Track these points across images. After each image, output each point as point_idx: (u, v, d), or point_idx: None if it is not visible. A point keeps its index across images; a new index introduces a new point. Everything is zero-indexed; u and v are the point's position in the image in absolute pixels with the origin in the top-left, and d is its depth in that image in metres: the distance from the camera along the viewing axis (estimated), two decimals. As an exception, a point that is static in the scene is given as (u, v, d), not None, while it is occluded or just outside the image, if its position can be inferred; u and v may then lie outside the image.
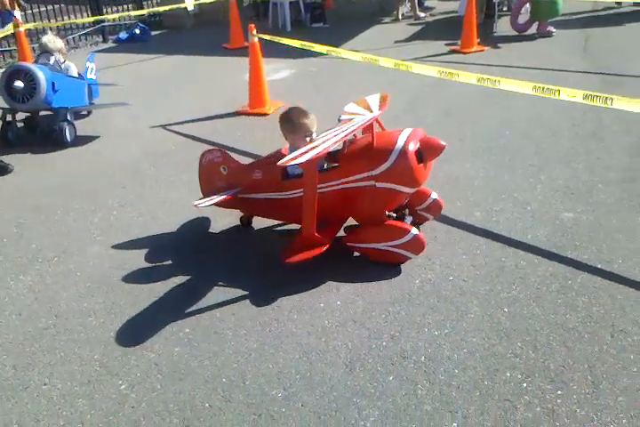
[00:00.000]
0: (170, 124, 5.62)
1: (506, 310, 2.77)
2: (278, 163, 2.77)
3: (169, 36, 10.35)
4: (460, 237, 3.38)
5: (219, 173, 3.50)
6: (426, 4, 11.08)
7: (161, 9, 9.84)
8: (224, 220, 3.73)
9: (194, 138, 5.23)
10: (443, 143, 2.99)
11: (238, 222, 3.67)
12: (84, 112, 5.89)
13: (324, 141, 2.83)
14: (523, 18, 8.62)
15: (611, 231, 3.35)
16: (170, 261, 3.34)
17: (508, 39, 8.42)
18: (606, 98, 3.41)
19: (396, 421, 2.20)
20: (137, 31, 9.88)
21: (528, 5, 8.48)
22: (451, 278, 3.03)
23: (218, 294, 3.01)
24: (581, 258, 3.12)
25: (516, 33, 8.59)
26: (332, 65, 7.41)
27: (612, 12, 9.76)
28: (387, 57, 4.97)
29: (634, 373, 2.35)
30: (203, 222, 3.76)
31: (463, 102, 5.76)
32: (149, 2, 11.60)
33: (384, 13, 10.87)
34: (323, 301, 2.92)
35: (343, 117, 3.32)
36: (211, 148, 3.62)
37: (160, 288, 3.08)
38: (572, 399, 2.24)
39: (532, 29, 8.54)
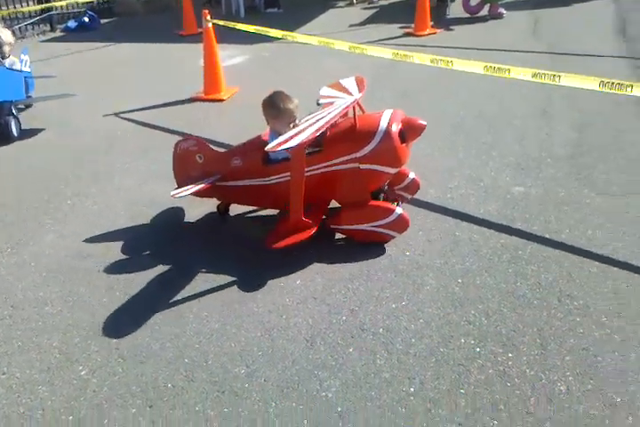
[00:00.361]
0: (122, 112, 5.54)
1: (460, 280, 2.87)
2: (267, 148, 2.73)
3: (120, 23, 10.13)
4: (417, 214, 3.45)
5: (194, 161, 3.43)
6: (379, -12, 11.10)
7: (109, -4, 9.64)
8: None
9: (147, 125, 5.18)
10: (424, 123, 3.05)
11: (209, 211, 3.66)
12: (22, 106, 5.73)
13: (310, 125, 2.81)
14: (474, 0, 8.74)
15: (558, 204, 3.47)
16: (127, 248, 3.33)
17: (460, 21, 8.52)
18: (554, 75, 3.52)
19: (356, 389, 2.27)
20: (86, 19, 9.66)
21: (480, -10, 8.60)
22: (407, 253, 3.10)
23: (177, 277, 3.03)
24: (531, 229, 3.24)
25: (469, 15, 8.70)
26: (287, 50, 7.40)
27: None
28: (342, 40, 5.01)
29: (579, 334, 2.47)
30: (154, 208, 3.75)
31: (418, 84, 5.84)
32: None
33: (338, -3, 10.87)
34: (283, 280, 2.96)
35: (322, 101, 3.28)
36: (185, 137, 3.56)
37: (118, 275, 3.08)
38: (522, 361, 2.34)
39: (484, 11, 8.66)
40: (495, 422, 2.09)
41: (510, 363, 2.34)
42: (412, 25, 7.99)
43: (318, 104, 3.29)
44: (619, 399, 2.14)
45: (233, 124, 5.04)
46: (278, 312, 2.73)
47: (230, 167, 3.29)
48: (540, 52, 6.66)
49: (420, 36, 7.78)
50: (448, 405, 2.17)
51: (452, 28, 8.19)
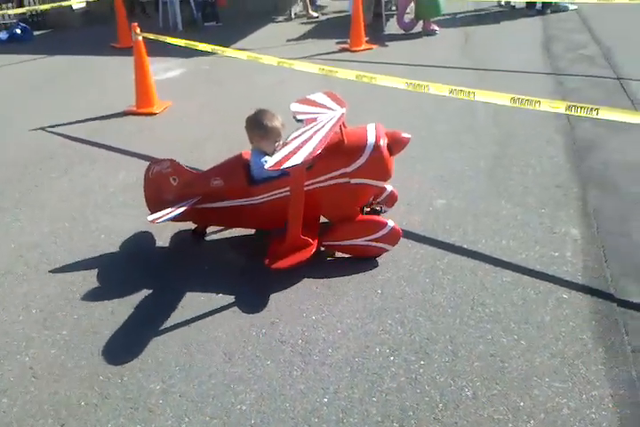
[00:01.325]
0: (52, 127, 5.43)
1: (379, 291, 2.94)
2: (267, 166, 2.64)
3: (54, 35, 9.93)
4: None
5: (168, 184, 3.30)
6: (318, 3, 11.27)
7: (42, 7, 9.41)
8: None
9: (77, 140, 5.09)
10: (408, 136, 3.12)
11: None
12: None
13: (305, 141, 2.75)
14: (408, 17, 8.99)
15: (477, 215, 3.60)
16: (49, 265, 3.27)
17: (395, 37, 8.73)
18: (469, 92, 3.67)
19: (270, 401, 2.29)
20: (18, 31, 9.43)
21: (412, 4, 8.85)
22: (331, 266, 3.15)
23: (96, 295, 2.99)
24: (449, 240, 3.35)
25: (403, 31, 8.93)
26: (224, 63, 7.41)
27: (494, 10, 10.35)
28: (273, 55, 5.07)
29: (488, 340, 2.57)
30: (83, 224, 3.69)
31: (350, 98, 5.90)
32: (31, 0, 11.08)
33: (278, 12, 10.96)
34: (204, 294, 2.96)
35: (301, 117, 3.19)
36: (159, 158, 3.37)
37: (36, 292, 3.02)
38: (433, 368, 2.42)
39: (418, 28, 8.91)
40: (404, 428, 2.15)
41: (422, 370, 2.42)
42: (349, 40, 8.14)
43: (298, 120, 3.20)
44: (522, 403, 2.24)
45: (164, 138, 5.02)
46: (198, 327, 2.73)
47: (210, 188, 3.18)
48: (469, 68, 6.90)
49: (356, 51, 7.93)
50: (359, 413, 2.22)
51: (387, 43, 8.38)
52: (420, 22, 8.85)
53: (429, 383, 2.35)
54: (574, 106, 3.40)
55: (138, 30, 5.37)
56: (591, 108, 3.33)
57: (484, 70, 6.75)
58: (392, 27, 9.19)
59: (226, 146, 4.75)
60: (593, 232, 3.35)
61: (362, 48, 8.02)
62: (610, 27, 8.68)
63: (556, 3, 9.91)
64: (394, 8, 10.17)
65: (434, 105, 5.55)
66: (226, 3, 11.63)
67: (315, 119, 3.04)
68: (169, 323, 2.76)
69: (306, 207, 2.94)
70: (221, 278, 3.08)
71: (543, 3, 9.90)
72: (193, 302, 2.90)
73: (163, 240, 3.46)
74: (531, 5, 10.10)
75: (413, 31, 8.89)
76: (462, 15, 10.02)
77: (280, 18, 10.67)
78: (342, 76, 4.26)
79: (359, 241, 3.13)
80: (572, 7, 10.14)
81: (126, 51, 7.91)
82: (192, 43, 5.25)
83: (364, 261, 3.17)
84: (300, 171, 2.78)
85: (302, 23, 10.13)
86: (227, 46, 7.72)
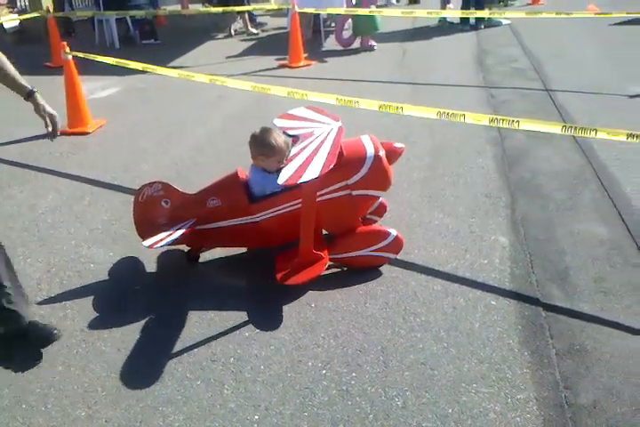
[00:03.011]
0: (-21, 148, 5.26)
1: (313, 305, 2.94)
2: (282, 182, 2.55)
3: (-14, 55, 9.65)
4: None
5: (159, 208, 3.18)
6: (258, 20, 11.36)
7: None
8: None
9: (5, 162, 4.93)
10: (402, 146, 3.21)
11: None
12: None
13: (312, 155, 2.70)
14: (347, 33, 9.15)
15: (411, 225, 3.66)
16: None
17: (334, 53, 8.86)
18: (397, 107, 3.76)
19: (200, 422, 2.26)
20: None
21: (350, 21, 9.02)
22: (266, 283, 3.13)
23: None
24: (383, 251, 3.39)
25: (342, 47, 9.07)
26: (161, 82, 7.34)
27: (430, 26, 10.64)
28: (212, 72, 5.09)
29: (419, 349, 2.60)
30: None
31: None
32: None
33: (217, 29, 10.98)
34: (132, 317, 2.89)
35: (294, 132, 3.13)
36: (151, 181, 3.24)
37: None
38: (364, 379, 2.43)
39: (357, 44, 9.06)
40: (334, 442, 2.15)
41: (353, 382, 2.42)
42: (288, 57, 8.22)
43: (290, 135, 3.14)
44: (450, 410, 2.27)
45: (97, 157, 4.93)
46: (127, 350, 2.66)
47: (207, 209, 3.09)
48: (405, 82, 7.05)
49: (295, 67, 8.01)
50: (290, 429, 2.21)
51: (325, 59, 8.50)
52: (359, 38, 9.03)
53: (360, 395, 2.35)
54: (496, 118, 3.53)
55: (67, 49, 5.28)
56: (512, 120, 3.46)
57: (420, 84, 6.92)
58: (331, 43, 9.33)
59: (161, 164, 4.71)
60: (520, 239, 3.45)
61: (301, 64, 8.11)
62: (540, 41, 9.05)
63: (489, 18, 10.29)
64: (332, 24, 10.34)
65: (372, 119, 5.64)
66: (164, 21, 11.60)
67: (311, 133, 3.02)
68: (96, 348, 2.68)
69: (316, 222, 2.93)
70: (148, 299, 3.02)
71: (476, 18, 10.25)
72: (121, 324, 2.84)
73: (86, 258, 3.38)
74: (465, 21, 10.44)
75: (352, 47, 9.05)
76: (399, 31, 10.26)
77: (220, 35, 10.69)
78: (275, 92, 4.29)
79: (363, 252, 3.13)
80: (504, 22, 10.53)
81: (60, 70, 7.78)
82: (122, 61, 5.20)
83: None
84: (312, 185, 2.72)
85: (242, 40, 10.18)
86: (165, 64, 7.70)
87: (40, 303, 3.00)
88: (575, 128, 3.39)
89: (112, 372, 2.53)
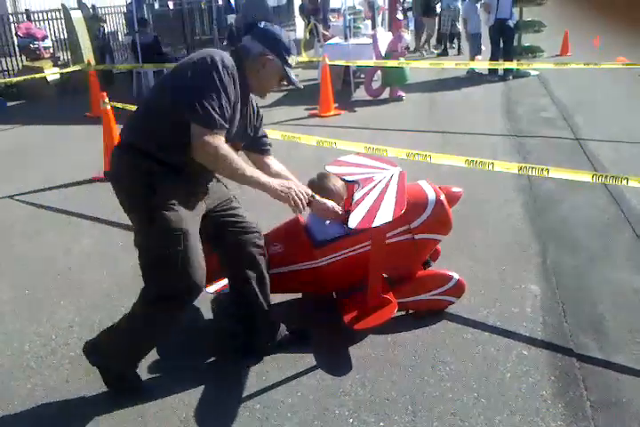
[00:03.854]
0: (19, 194, 5.44)
1: (341, 351, 2.91)
2: (355, 226, 2.54)
3: (27, 106, 10.10)
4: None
5: (215, 255, 3.08)
6: (290, 73, 11.72)
7: (14, 80, 9.64)
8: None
9: (46, 208, 5.09)
10: (460, 190, 3.26)
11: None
12: None
13: (378, 200, 2.72)
14: (375, 84, 9.38)
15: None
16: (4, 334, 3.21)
17: (363, 103, 9.06)
18: (425, 155, 3.84)
19: (225, 470, 2.22)
20: (-8, 102, 9.61)
21: (379, 72, 9.26)
22: (293, 328, 3.13)
23: (52, 361, 2.93)
24: (412, 298, 3.36)
25: (371, 98, 9.28)
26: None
27: (458, 77, 10.86)
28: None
29: (449, 398, 2.54)
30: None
31: (319, 163, 6.09)
32: (5, 72, 11.33)
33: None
34: (167, 361, 2.91)
35: (353, 177, 3.10)
36: None
37: (-9, 361, 2.95)
38: (392, 429, 2.38)
39: (385, 94, 9.26)
40: None
41: (381, 432, 2.38)
42: (318, 106, 8.43)
43: (349, 181, 3.14)
44: (481, 463, 2.20)
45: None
46: (153, 394, 2.66)
47: (270, 254, 3.00)
48: (434, 131, 7.15)
49: (325, 116, 8.21)
50: (316, 480, 2.16)
51: (355, 109, 8.70)
52: (387, 89, 9.24)
53: (388, 446, 2.30)
54: (525, 166, 3.56)
55: (106, 99, 5.52)
56: (541, 169, 3.48)
57: (449, 133, 7.01)
58: (360, 93, 9.56)
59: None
60: (552, 288, 3.40)
61: (331, 113, 8.30)
62: (569, 91, 9.14)
63: (517, 69, 10.45)
64: (362, 76, 10.61)
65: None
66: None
67: (371, 178, 3.03)
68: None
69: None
70: (174, 340, 3.03)
71: (505, 69, 10.43)
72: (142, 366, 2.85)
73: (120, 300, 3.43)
74: (493, 71, 10.63)
75: (381, 97, 9.25)
76: (428, 82, 10.48)
77: (253, 86, 11.03)
78: (304, 141, 4.40)
79: (426, 296, 3.15)
80: (533, 73, 10.69)
81: (99, 120, 8.09)
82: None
83: (327, 322, 3.16)
84: (382, 229, 2.73)
85: (274, 90, 10.47)
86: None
87: (71, 346, 3.04)
88: (606, 176, 3.40)
89: (138, 416, 2.53)
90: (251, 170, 2.43)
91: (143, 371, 2.80)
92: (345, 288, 3.12)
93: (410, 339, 2.98)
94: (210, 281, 3.07)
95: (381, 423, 2.42)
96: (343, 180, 3.16)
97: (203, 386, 2.70)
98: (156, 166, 2.34)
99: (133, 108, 5.64)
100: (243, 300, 2.83)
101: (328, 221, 3.05)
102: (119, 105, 5.73)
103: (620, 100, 8.27)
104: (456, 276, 3.16)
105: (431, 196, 3.06)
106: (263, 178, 2.45)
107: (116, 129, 5.67)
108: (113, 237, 4.34)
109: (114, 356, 2.59)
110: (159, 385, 2.72)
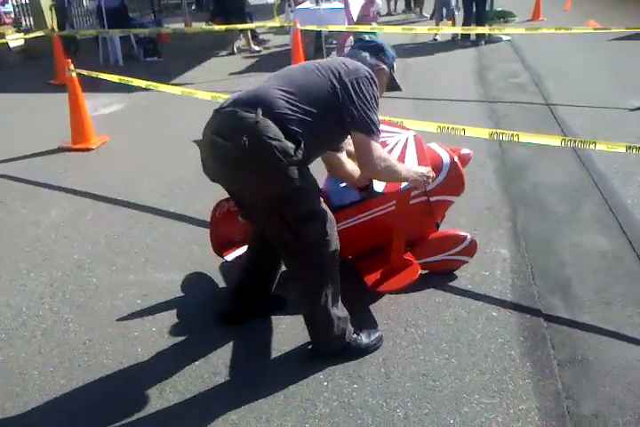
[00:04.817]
0: (-15, 165, 5.31)
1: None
2: (382, 189, 2.73)
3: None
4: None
5: (236, 223, 3.00)
6: (260, 38, 11.50)
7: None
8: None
9: (11, 178, 4.97)
10: (469, 152, 3.38)
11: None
12: None
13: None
14: (348, 50, 9.24)
15: (412, 238, 3.67)
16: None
17: (336, 69, 8.93)
18: (398, 121, 3.81)
19: (201, 434, 2.26)
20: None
21: (352, 38, 9.13)
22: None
23: (24, 333, 2.90)
24: (384, 264, 3.40)
25: (343, 63, 9.15)
26: (165, 99, 7.42)
27: (428, 42, 10.78)
28: (214, 90, 5.13)
29: (421, 360, 2.60)
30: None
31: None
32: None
33: (220, 47, 11.12)
34: (138, 329, 2.91)
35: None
36: (226, 196, 3.09)
37: (-38, 334, 2.91)
38: (365, 391, 2.43)
39: (358, 60, 9.13)
40: (335, 453, 2.15)
41: (355, 394, 2.42)
42: (290, 73, 8.29)
43: None
44: (452, 421, 2.27)
45: (100, 173, 4.97)
46: (128, 363, 2.67)
47: None
48: (405, 97, 7.10)
49: (297, 83, 8.08)
50: (292, 441, 2.21)
51: (327, 76, 8.57)
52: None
53: (362, 406, 2.35)
54: (496, 132, 3.57)
55: (71, 66, 5.35)
56: (512, 134, 3.49)
57: (422, 99, 6.97)
58: (333, 59, 9.40)
59: (165, 180, 4.75)
60: (522, 251, 3.46)
61: (303, 80, 8.18)
62: (540, 56, 9.14)
63: (489, 34, 10.39)
64: (334, 42, 10.46)
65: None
66: (168, 39, 11.76)
67: (384, 142, 3.02)
68: (99, 362, 2.69)
69: (386, 231, 2.95)
70: (148, 310, 3.03)
71: (477, 34, 10.36)
72: (126, 337, 2.85)
73: (88, 273, 3.40)
74: (465, 37, 10.56)
75: (353, 63, 9.12)
76: (401, 47, 10.37)
77: (222, 53, 10.81)
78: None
79: (441, 257, 3.19)
80: (505, 38, 10.65)
81: (64, 87, 7.87)
82: (126, 79, 5.26)
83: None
84: (407, 192, 2.81)
85: (245, 57, 10.29)
86: (168, 81, 7.79)
87: (43, 317, 3.02)
88: (575, 141, 3.43)
89: (113, 385, 2.54)
90: (403, 167, 2.55)
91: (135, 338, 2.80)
92: (359, 253, 3.13)
93: (383, 303, 3.02)
94: (227, 249, 3.12)
95: (355, 385, 2.47)
96: None
97: (178, 353, 2.71)
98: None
99: (101, 75, 5.56)
100: (257, 270, 2.82)
101: (344, 186, 3.04)
102: (84, 72, 5.56)
103: (591, 66, 8.30)
104: (469, 236, 3.20)
105: (445, 158, 3.10)
106: (409, 173, 2.56)
107: (83, 97, 5.53)
108: (82, 208, 4.27)
109: (334, 327, 2.54)
110: (138, 355, 2.72)
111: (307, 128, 2.25)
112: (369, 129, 2.32)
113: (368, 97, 2.34)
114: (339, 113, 2.31)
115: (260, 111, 2.18)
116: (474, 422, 2.25)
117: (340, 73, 2.34)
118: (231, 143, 2.18)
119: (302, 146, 2.22)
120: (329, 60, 2.47)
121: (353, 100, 2.30)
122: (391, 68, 2.64)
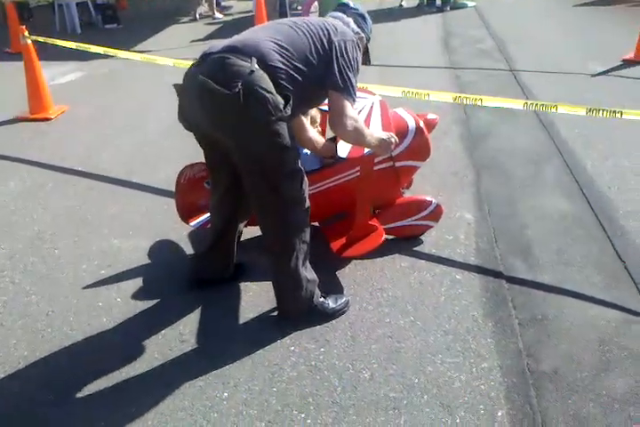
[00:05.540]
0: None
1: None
2: (346, 155, 2.68)
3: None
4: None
5: (201, 189, 3.07)
6: (223, 4, 11.22)
7: None
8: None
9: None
10: (435, 117, 3.37)
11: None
12: None
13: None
14: (313, 16, 9.10)
15: (378, 204, 3.68)
16: None
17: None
18: (362, 86, 3.76)
19: (169, 402, 2.26)
20: None
21: (316, 4, 8.96)
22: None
23: (-13, 306, 2.85)
24: (350, 230, 3.41)
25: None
26: (125, 66, 7.23)
27: (394, 8, 10.67)
28: (175, 57, 4.99)
29: (386, 323, 2.64)
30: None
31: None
32: None
33: (182, 13, 10.82)
34: (103, 299, 2.88)
35: (326, 107, 2.95)
36: (193, 162, 3.11)
37: None
38: (332, 354, 2.46)
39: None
40: (303, 415, 2.18)
41: (321, 357, 2.45)
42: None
43: (323, 110, 3.05)
44: (416, 380, 2.31)
45: (59, 143, 4.84)
46: (92, 334, 2.65)
47: None
48: (372, 64, 7.03)
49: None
50: (259, 404, 2.23)
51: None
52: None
53: (328, 369, 2.38)
54: (460, 96, 3.57)
55: (26, 33, 5.15)
56: (475, 98, 3.50)
57: (387, 66, 6.92)
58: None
59: (126, 150, 4.65)
60: (485, 215, 3.50)
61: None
62: (505, 22, 9.12)
63: (454, 0, 10.33)
64: (299, 8, 10.27)
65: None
66: (126, 5, 11.38)
67: None
68: (58, 331, 2.66)
69: (351, 197, 2.94)
70: (112, 279, 3.00)
71: (443, 0, 10.29)
72: (91, 307, 2.82)
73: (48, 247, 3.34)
74: (431, 3, 10.48)
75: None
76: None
77: (184, 19, 10.54)
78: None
79: (407, 222, 3.19)
80: (470, 4, 10.59)
81: (20, 55, 7.58)
82: (84, 45, 5.09)
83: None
84: (371, 157, 2.79)
85: (207, 24, 10.05)
86: (128, 48, 7.56)
87: (4, 289, 2.96)
88: (537, 104, 3.45)
89: (78, 355, 2.52)
90: (370, 133, 2.53)
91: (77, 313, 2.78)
92: (324, 219, 3.13)
93: (349, 268, 3.04)
94: (193, 215, 3.08)
95: (322, 349, 2.49)
96: (321, 110, 3.13)
97: (143, 321, 2.70)
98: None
99: (58, 42, 5.35)
100: (222, 237, 2.77)
101: (304, 152, 3.01)
102: (40, 39, 5.36)
103: (554, 32, 8.32)
104: (435, 201, 3.22)
105: (411, 123, 3.09)
106: (372, 139, 2.54)
107: (39, 65, 5.34)
108: (42, 179, 4.16)
109: (303, 289, 2.55)
110: (103, 324, 2.69)
111: (296, 86, 2.26)
112: (347, 90, 2.32)
113: (352, 60, 2.35)
114: (324, 74, 2.31)
115: (254, 61, 2.17)
116: (438, 380, 2.30)
117: (329, 33, 2.35)
118: (225, 89, 2.12)
119: (291, 102, 2.21)
120: (319, 20, 2.44)
121: (338, 61, 2.31)
122: (368, 39, 2.64)
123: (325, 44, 2.32)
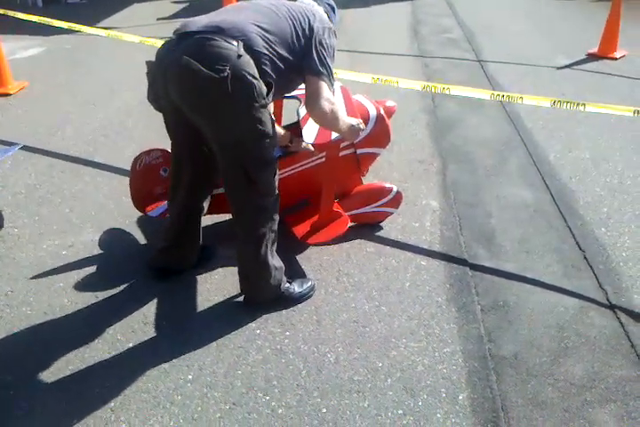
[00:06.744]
0: None
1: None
2: (312, 141, 2.64)
3: None
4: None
5: (157, 176, 2.99)
6: (191, -17, 10.95)
7: None
8: None
9: None
10: (394, 104, 3.41)
11: None
12: None
13: None
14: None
15: (345, 190, 3.69)
16: None
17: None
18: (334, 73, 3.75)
19: (133, 384, 2.24)
20: None
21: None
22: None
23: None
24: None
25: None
26: (89, 42, 7.02)
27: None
28: (139, 34, 4.87)
29: (352, 308, 2.66)
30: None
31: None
32: None
33: (148, -10, 10.53)
34: (64, 280, 2.82)
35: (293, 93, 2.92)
36: (149, 149, 3.01)
37: None
38: (297, 338, 2.48)
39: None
40: (267, 397, 2.19)
41: (287, 341, 2.46)
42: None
43: (289, 97, 2.99)
44: (380, 364, 2.35)
45: (20, 120, 4.69)
46: (53, 314, 2.59)
47: None
48: (340, 50, 7.01)
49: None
50: (224, 387, 2.23)
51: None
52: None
53: (294, 352, 2.40)
54: (428, 85, 3.59)
55: (-16, 4, 4.95)
56: (444, 87, 3.53)
57: (356, 52, 6.90)
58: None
59: (88, 128, 4.53)
60: (450, 203, 3.55)
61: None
62: (474, 12, 9.17)
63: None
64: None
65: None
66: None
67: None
68: (17, 311, 2.60)
69: (313, 183, 2.96)
70: (73, 259, 2.94)
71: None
72: (41, 287, 2.76)
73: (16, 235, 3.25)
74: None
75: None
76: (336, -2, 10.15)
77: (151, -4, 10.26)
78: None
79: (368, 208, 3.19)
80: (438, -7, 10.60)
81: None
82: (47, 19, 4.92)
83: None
84: (337, 143, 2.76)
85: (173, 2, 9.81)
86: (93, 24, 7.33)
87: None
88: (503, 95, 3.50)
89: (39, 336, 2.47)
90: (342, 118, 2.50)
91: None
92: (286, 206, 3.06)
93: (315, 253, 3.05)
94: (149, 204, 2.99)
95: (287, 333, 2.50)
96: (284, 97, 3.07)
97: (106, 303, 2.66)
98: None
99: (18, 15, 5.15)
100: (183, 231, 2.73)
101: None
102: (1, 11, 5.15)
103: (522, 23, 8.41)
104: (395, 188, 3.24)
105: (372, 110, 3.10)
106: (344, 124, 2.51)
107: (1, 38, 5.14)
108: (0, 156, 4.03)
109: (271, 278, 2.53)
110: (64, 306, 2.64)
111: (278, 74, 2.25)
112: (326, 73, 2.32)
113: (330, 47, 2.36)
114: (303, 59, 2.30)
115: (241, 44, 2.12)
116: (402, 364, 2.34)
117: (309, 19, 2.34)
118: (211, 71, 2.06)
119: (273, 90, 2.19)
120: (297, 4, 2.43)
121: (317, 47, 2.31)
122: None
123: (307, 30, 2.31)
